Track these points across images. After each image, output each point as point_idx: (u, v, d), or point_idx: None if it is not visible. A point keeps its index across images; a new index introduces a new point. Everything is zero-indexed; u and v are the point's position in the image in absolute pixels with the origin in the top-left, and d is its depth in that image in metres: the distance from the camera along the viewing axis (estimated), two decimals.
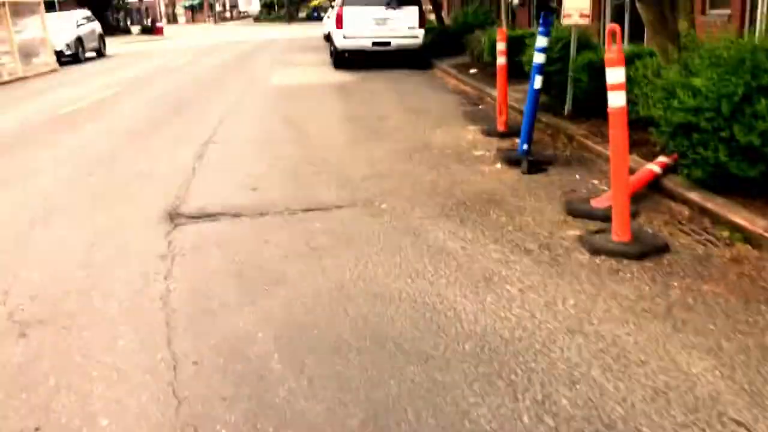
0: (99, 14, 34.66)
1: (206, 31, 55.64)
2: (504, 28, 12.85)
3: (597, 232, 4.45)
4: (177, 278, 4.14)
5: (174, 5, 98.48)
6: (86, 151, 8.15)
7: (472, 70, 13.42)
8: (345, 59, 16.30)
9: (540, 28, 6.17)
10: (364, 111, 10.06)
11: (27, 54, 20.00)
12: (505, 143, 7.36)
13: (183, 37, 43.45)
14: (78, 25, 24.49)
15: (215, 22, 75.63)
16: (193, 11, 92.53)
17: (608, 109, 4.13)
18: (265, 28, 52.82)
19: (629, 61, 7.07)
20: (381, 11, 15.41)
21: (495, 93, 10.53)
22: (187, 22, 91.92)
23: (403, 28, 15.42)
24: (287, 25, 57.65)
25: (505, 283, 3.84)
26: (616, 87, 4.04)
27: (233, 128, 9.14)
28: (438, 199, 5.47)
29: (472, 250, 4.33)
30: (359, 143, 7.81)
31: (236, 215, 5.32)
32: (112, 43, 32.42)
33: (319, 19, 59.15)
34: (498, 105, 7.83)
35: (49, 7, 31.74)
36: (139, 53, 28.53)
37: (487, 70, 12.93)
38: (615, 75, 4.04)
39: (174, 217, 5.36)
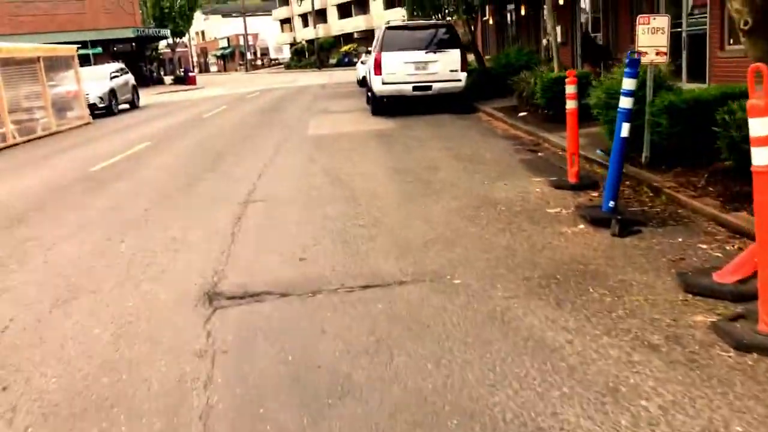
0: (133, 66, 35.05)
1: (238, 79, 56.22)
2: (556, 67, 12.19)
3: (735, 318, 3.58)
4: (219, 386, 3.36)
5: (206, 55, 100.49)
6: (116, 214, 7.54)
7: (521, 113, 12.69)
8: (383, 105, 15.73)
9: (627, 69, 5.40)
10: (411, 161, 9.34)
11: (61, 108, 19.89)
12: (581, 198, 6.54)
13: (215, 86, 43.77)
14: (111, 78, 24.50)
15: (246, 70, 76.61)
16: (225, 60, 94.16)
17: (752, 168, 3.31)
18: (296, 75, 53.13)
19: (721, 102, 6.28)
20: (421, 55, 14.84)
21: (552, 138, 9.81)
22: (219, 70, 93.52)
23: (445, 71, 14.81)
24: (318, 72, 58.00)
25: (637, 396, 2.98)
26: (763, 141, 3.22)
27: (273, 184, 8.47)
28: (520, 271, 4.65)
29: (582, 346, 3.48)
30: (412, 200, 7.06)
31: (284, 294, 4.57)
32: (146, 94, 32.59)
33: (350, 64, 59.44)
34: (568, 154, 7.03)
35: (85, 61, 32.18)
36: (173, 103, 28.51)
37: (538, 114, 12.22)
38: (762, 126, 3.22)
39: (212, 297, 4.62)
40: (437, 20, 18.70)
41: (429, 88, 14.92)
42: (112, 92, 24.03)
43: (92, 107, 22.27)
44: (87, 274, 5.42)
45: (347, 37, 71.16)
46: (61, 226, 7.19)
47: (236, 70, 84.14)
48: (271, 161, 10.33)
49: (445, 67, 14.88)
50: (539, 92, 11.58)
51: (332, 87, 31.06)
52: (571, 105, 6.90)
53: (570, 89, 6.89)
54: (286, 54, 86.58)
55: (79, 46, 24.79)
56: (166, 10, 53.94)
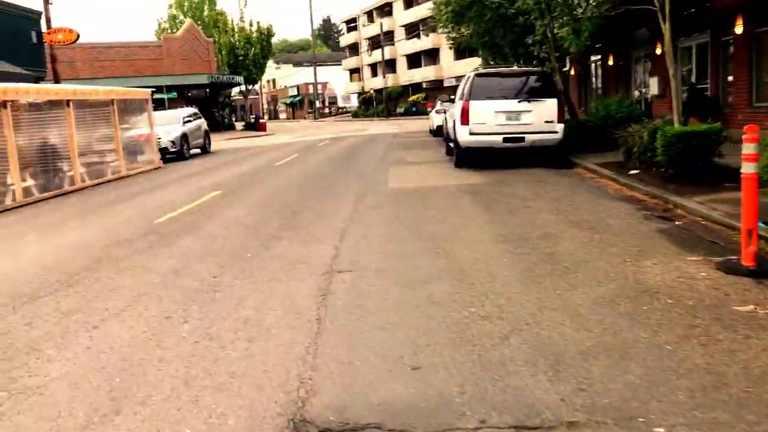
0: (205, 111, 35.14)
1: (307, 126, 56.33)
2: (676, 120, 10.69)
3: None
4: None
5: (276, 102, 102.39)
6: (180, 281, 6.40)
7: (632, 171, 11.16)
8: (467, 157, 14.47)
9: None
10: (521, 227, 7.94)
11: (132, 151, 19.50)
12: None
13: (285, 133, 43.66)
14: (184, 122, 24.22)
15: (315, 118, 77.20)
16: (294, 108, 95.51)
17: None
18: (364, 124, 52.79)
19: None
20: (513, 104, 13.59)
21: (687, 203, 8.28)
22: (288, 117, 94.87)
23: (540, 122, 13.49)
24: (386, 121, 57.61)
25: None
26: None
27: (359, 250, 7.21)
28: (749, 416, 3.15)
29: None
30: (540, 281, 5.63)
31: None
32: (217, 139, 32.44)
33: (417, 113, 58.89)
34: (743, 230, 5.49)
35: (159, 105, 32.37)
36: (243, 149, 28.08)
37: (653, 172, 10.69)
38: None
39: (299, 428, 3.30)
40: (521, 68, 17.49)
41: (522, 140, 13.60)
42: (184, 137, 23.68)
43: (163, 151, 21.93)
44: (137, 371, 4.20)
45: (416, 87, 70.91)
46: (114, 294, 6.08)
47: (305, 118, 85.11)
48: (352, 219, 9.12)
49: (540, 118, 13.57)
50: (660, 148, 10.06)
51: (404, 136, 30.14)
52: (749, 169, 5.41)
53: (749, 148, 5.41)
54: (353, 103, 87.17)
55: (155, 90, 24.68)
56: (241, 58, 54.80)
